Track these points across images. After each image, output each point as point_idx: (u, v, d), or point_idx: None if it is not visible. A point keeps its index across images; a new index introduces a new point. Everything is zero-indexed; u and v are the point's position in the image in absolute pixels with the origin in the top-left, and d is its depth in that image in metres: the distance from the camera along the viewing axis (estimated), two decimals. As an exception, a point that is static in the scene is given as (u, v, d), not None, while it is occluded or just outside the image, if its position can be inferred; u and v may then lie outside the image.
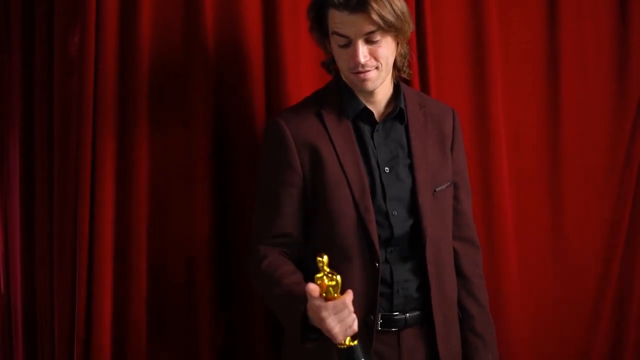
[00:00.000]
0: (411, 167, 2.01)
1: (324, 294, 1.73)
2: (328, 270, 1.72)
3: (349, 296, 1.74)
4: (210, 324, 2.25)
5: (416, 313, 2.02)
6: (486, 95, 2.54)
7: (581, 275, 2.69)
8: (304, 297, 1.76)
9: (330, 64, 2.06)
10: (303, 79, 2.33)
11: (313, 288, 1.72)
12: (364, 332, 1.93)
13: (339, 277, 1.72)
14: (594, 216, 2.70)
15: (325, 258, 1.71)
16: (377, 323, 1.97)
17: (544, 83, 2.65)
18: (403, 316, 2.01)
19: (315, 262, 1.74)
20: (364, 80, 1.93)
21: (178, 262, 2.27)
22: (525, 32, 2.63)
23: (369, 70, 1.92)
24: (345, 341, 1.76)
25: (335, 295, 1.73)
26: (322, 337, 1.80)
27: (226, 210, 2.29)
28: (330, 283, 1.72)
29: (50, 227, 2.33)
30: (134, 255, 2.21)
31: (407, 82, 2.38)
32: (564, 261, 2.68)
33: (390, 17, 1.87)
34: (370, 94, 2.00)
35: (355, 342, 1.77)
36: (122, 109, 2.21)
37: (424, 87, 2.45)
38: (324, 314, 1.72)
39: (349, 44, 1.90)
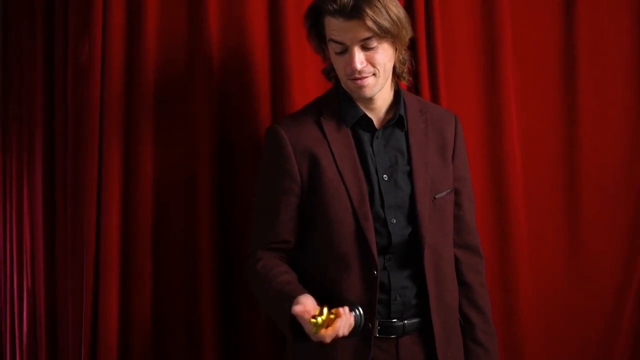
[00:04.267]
0: (410, 175, 1.90)
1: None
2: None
3: (339, 322, 1.67)
4: (214, 323, 2.15)
5: (415, 320, 1.91)
6: (498, 101, 2.39)
7: (598, 284, 2.51)
8: (292, 297, 1.71)
9: (330, 71, 1.95)
10: (308, 85, 2.22)
11: (299, 310, 1.67)
12: (363, 339, 1.85)
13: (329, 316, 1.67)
14: (612, 222, 2.51)
15: (319, 319, 1.65)
16: (375, 330, 1.87)
17: (559, 87, 2.48)
18: (401, 323, 1.90)
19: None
20: (361, 86, 1.83)
21: (181, 263, 2.19)
22: (540, 35, 2.46)
23: (366, 77, 1.81)
24: None
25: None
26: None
27: (228, 212, 2.20)
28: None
29: (66, 229, 2.27)
30: (139, 256, 2.14)
31: (416, 89, 2.26)
32: (581, 270, 2.50)
33: (385, 23, 1.76)
34: (370, 100, 1.89)
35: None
36: (128, 115, 2.14)
37: (434, 93, 2.31)
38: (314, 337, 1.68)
39: (345, 50, 1.80)
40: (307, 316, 1.66)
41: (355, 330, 1.75)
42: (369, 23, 1.74)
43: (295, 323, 1.71)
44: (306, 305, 1.68)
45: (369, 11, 1.73)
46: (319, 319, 1.64)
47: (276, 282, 1.81)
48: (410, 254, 1.89)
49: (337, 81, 1.93)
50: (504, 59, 2.39)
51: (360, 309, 1.76)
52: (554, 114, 2.48)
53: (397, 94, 1.93)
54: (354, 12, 1.74)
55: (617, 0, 2.50)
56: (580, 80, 2.47)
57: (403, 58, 1.89)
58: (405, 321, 1.90)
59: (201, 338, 2.15)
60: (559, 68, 2.48)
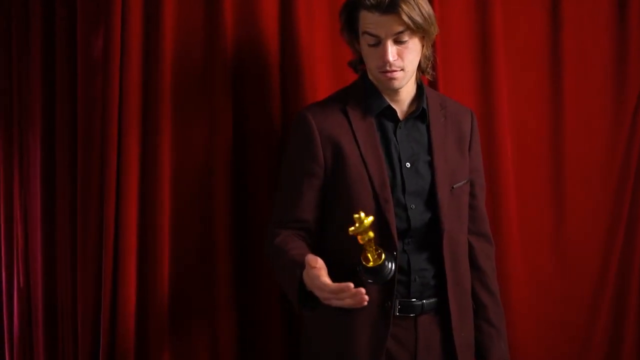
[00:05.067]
0: (431, 164, 2.00)
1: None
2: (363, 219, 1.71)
3: (349, 285, 1.71)
4: (230, 315, 2.20)
5: (432, 300, 2.02)
6: (492, 97, 2.51)
7: (581, 268, 2.66)
8: (303, 263, 1.77)
9: (357, 64, 2.05)
10: (317, 78, 2.30)
11: (312, 258, 1.74)
12: (382, 317, 1.94)
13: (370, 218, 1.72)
14: (593, 211, 2.67)
15: (363, 215, 1.70)
16: (395, 308, 1.97)
17: (546, 82, 2.62)
18: (420, 302, 2.00)
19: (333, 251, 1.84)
20: (391, 79, 1.93)
21: (199, 254, 2.23)
22: (529, 35, 2.60)
23: (395, 70, 1.92)
24: (372, 261, 1.80)
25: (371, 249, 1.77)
26: (320, 305, 1.81)
27: (244, 203, 2.26)
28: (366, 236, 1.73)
29: (72, 223, 2.27)
30: (157, 249, 2.16)
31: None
32: (565, 255, 2.65)
33: (418, 18, 1.87)
34: (395, 93, 1.99)
35: (383, 258, 1.81)
36: (146, 109, 2.16)
37: (432, 85, 2.38)
38: (320, 293, 1.74)
39: (379, 43, 1.90)
40: (319, 266, 1.73)
41: (380, 273, 1.83)
42: (404, 17, 1.84)
43: (303, 290, 1.80)
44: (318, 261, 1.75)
45: (404, 6, 1.84)
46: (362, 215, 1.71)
47: (290, 253, 1.89)
48: (429, 238, 2.00)
49: (363, 73, 2.03)
50: (496, 56, 2.51)
51: (393, 263, 1.86)
52: (541, 108, 2.62)
53: (419, 88, 2.04)
54: (390, 7, 1.85)
55: (598, 3, 2.66)
56: (565, 77, 2.62)
57: (428, 54, 2.00)
58: (424, 301, 2.00)
59: (217, 327, 2.19)
60: (546, 65, 2.62)
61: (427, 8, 1.90)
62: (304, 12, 2.27)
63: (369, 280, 1.86)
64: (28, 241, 2.49)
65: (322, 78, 2.31)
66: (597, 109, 2.68)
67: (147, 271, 2.16)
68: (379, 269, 1.82)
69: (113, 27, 2.12)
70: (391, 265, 1.85)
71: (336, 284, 1.71)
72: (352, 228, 1.70)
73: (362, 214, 1.70)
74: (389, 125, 2.00)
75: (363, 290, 1.69)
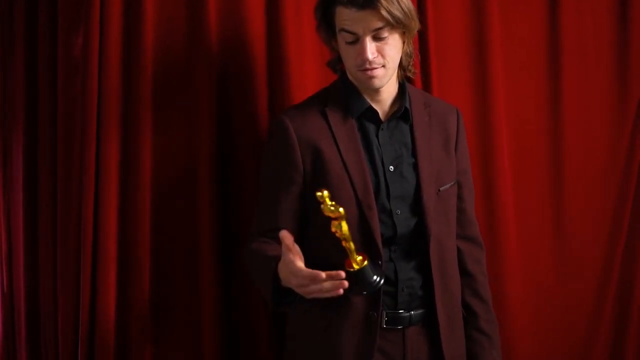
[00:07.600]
0: (415, 166, 1.96)
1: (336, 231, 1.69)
2: (330, 203, 1.66)
3: (321, 275, 1.66)
4: (214, 321, 2.18)
5: (420, 311, 1.97)
6: (488, 95, 2.47)
7: (582, 275, 2.62)
8: (278, 257, 1.73)
9: (336, 64, 2.01)
10: (306, 78, 2.27)
11: (285, 234, 1.68)
12: (367, 328, 1.90)
13: (341, 210, 1.67)
14: (594, 216, 2.63)
15: (326, 192, 1.66)
16: (383, 320, 1.93)
17: (545, 83, 2.58)
18: (408, 314, 1.96)
19: (316, 254, 1.76)
20: (371, 77, 1.88)
21: (181, 259, 2.21)
22: (527, 32, 2.55)
23: (376, 68, 1.87)
24: (353, 265, 1.74)
25: (345, 235, 1.69)
26: (297, 300, 1.77)
27: (229, 207, 2.23)
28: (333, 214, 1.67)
29: (54, 226, 2.27)
30: (138, 253, 2.15)
31: (410, 82, 2.33)
32: (566, 261, 2.61)
33: (398, 13, 1.82)
34: (376, 92, 1.95)
35: (365, 264, 1.74)
36: (126, 109, 2.15)
37: (427, 87, 2.37)
38: (295, 280, 1.69)
39: (357, 40, 1.85)
40: (294, 251, 1.68)
41: (364, 280, 1.76)
42: (383, 12, 1.80)
43: (278, 285, 1.76)
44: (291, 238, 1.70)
45: (382, 1, 1.79)
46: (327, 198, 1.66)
47: (267, 253, 1.85)
48: (416, 245, 1.96)
49: (342, 73, 1.99)
50: (493, 56, 2.47)
51: (379, 274, 1.78)
52: (540, 110, 2.58)
53: (401, 86, 1.99)
54: (368, 2, 1.80)
55: (598, 1, 2.61)
56: (564, 78, 2.57)
57: (410, 51, 1.95)
58: (412, 312, 1.96)
59: (201, 334, 2.17)
60: (544, 66, 2.57)
61: (406, 2, 1.85)
62: (292, 7, 2.25)
63: (353, 290, 1.79)
64: (11, 245, 2.49)
65: (310, 76, 2.28)
66: (597, 111, 2.63)
67: (127, 275, 2.15)
68: (361, 274, 1.75)
69: (92, 23, 2.11)
70: (376, 276, 1.77)
71: (311, 270, 1.66)
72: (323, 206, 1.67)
73: (325, 192, 1.66)
74: (371, 127, 1.96)
75: (343, 274, 1.66)
